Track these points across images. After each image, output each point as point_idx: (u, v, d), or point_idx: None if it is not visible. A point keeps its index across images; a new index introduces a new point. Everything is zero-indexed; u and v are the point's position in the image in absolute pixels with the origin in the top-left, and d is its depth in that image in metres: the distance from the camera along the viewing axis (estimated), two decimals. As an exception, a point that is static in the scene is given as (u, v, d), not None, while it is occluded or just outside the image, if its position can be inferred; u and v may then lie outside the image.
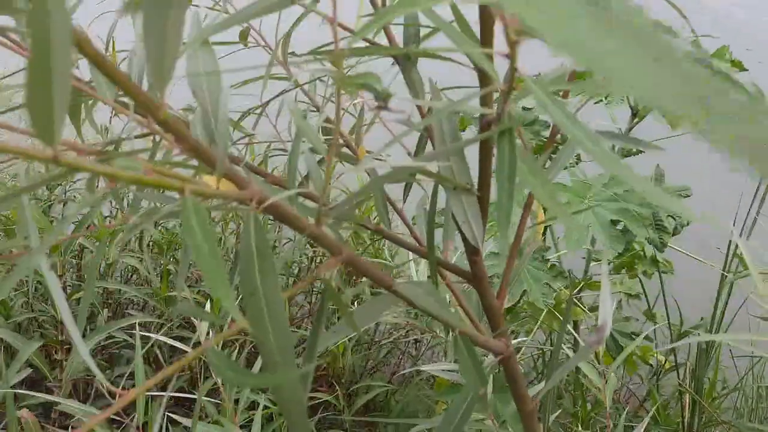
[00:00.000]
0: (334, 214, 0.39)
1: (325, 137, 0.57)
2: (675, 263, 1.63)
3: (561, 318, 1.59)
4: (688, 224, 1.48)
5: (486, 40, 0.34)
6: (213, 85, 0.29)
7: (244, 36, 0.59)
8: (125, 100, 0.51)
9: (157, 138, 0.44)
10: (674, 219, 1.49)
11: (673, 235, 1.47)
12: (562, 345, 0.70)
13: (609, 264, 1.69)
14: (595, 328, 0.53)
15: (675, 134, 1.47)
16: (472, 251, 0.53)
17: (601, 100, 1.46)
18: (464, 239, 0.53)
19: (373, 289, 1.44)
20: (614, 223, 1.50)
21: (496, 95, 0.42)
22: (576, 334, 1.00)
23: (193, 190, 0.26)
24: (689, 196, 1.49)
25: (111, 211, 1.51)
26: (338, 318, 1.49)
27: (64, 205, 1.22)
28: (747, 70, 1.33)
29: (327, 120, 0.55)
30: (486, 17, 0.31)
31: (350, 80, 0.26)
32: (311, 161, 0.34)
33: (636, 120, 1.47)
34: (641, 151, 1.51)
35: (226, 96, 0.28)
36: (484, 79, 0.36)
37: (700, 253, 1.59)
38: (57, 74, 0.18)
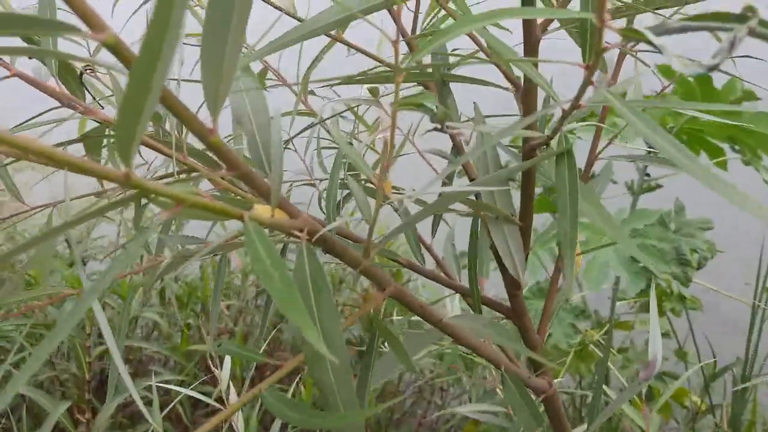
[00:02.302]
0: (377, 249, 0.38)
1: (350, 172, 0.56)
2: (703, 300, 1.59)
3: (588, 360, 1.54)
4: (712, 257, 1.46)
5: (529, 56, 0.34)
6: (259, 109, 0.28)
7: (262, 76, 0.59)
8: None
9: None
10: (697, 252, 1.47)
11: (698, 268, 1.45)
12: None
13: (635, 303, 1.65)
14: (642, 365, 0.50)
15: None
16: (513, 285, 0.52)
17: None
18: (503, 272, 0.52)
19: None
20: (635, 259, 1.48)
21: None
22: (618, 373, 0.97)
23: (251, 216, 0.25)
24: (711, 228, 1.47)
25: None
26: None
27: (84, 264, 1.21)
28: (759, 99, 1.33)
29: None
30: (529, 30, 0.30)
31: (408, 100, 0.26)
32: (359, 193, 0.33)
33: (652, 152, 1.47)
34: (660, 186, 1.50)
35: (277, 120, 0.27)
36: (529, 102, 0.35)
37: (728, 288, 1.56)
38: (151, 97, 0.18)
